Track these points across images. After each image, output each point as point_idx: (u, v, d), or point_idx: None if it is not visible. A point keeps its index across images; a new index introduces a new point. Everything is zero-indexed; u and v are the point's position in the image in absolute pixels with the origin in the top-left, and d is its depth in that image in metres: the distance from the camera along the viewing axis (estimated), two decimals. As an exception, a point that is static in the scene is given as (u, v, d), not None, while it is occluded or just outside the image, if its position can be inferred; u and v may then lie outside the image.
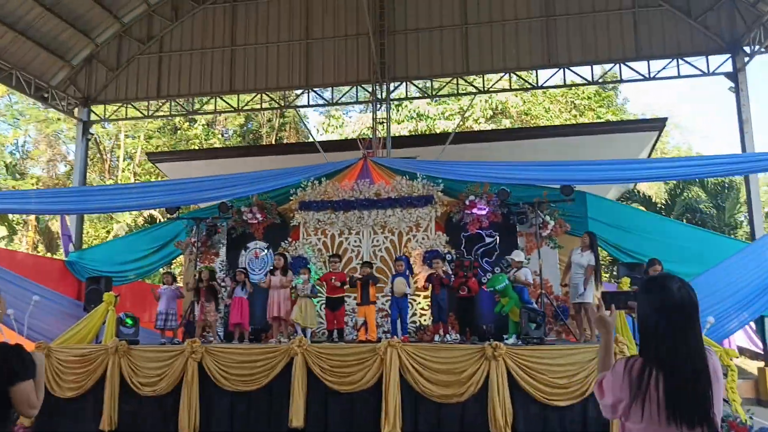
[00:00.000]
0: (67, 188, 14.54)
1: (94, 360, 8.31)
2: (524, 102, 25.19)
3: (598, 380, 2.42)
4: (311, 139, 14.46)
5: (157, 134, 26.08)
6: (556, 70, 12.78)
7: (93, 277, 10.63)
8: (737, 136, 11.61)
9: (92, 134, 14.98)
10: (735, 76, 11.69)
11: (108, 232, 22.21)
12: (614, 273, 17.47)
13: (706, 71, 12.06)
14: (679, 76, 12.23)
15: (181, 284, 10.51)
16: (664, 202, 16.09)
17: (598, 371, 2.49)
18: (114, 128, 25.10)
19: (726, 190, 14.78)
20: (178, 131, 25.97)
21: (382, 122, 12.99)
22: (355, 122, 25.34)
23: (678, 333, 2.21)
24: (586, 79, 13.20)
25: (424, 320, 10.15)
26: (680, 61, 12.13)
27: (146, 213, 20.70)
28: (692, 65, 12.15)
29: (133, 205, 11.35)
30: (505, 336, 8.14)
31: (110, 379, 8.11)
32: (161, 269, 14.11)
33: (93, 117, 14.94)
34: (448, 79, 13.77)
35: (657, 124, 12.25)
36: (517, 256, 8.90)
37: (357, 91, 14.15)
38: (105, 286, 10.25)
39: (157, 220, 19.35)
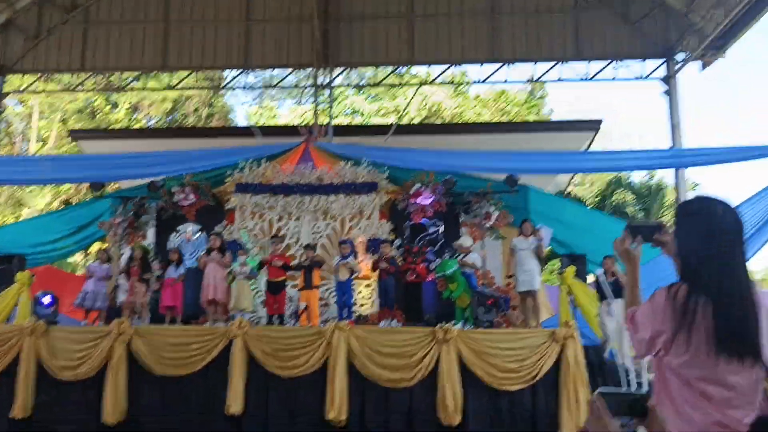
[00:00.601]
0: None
1: (5, 341, 7.56)
2: (458, 105, 25.52)
3: (629, 315, 2.22)
4: (246, 124, 13.90)
5: (74, 117, 24.50)
6: (500, 65, 12.91)
7: (3, 256, 9.67)
8: (669, 143, 12.07)
9: (5, 106, 13.80)
10: (667, 81, 12.18)
11: (17, 218, 20.61)
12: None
13: (641, 75, 12.52)
14: (616, 79, 12.64)
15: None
16: (594, 203, 16.62)
17: (625, 308, 2.29)
18: (25, 109, 23.40)
19: (653, 193, 15.47)
20: (98, 115, 24.51)
21: (324, 109, 12.68)
22: (288, 114, 24.80)
23: (725, 258, 2.07)
24: (527, 80, 13.43)
25: (365, 309, 9.89)
26: (617, 64, 12.54)
27: (62, 197, 19.35)
28: (628, 69, 12.58)
29: (57, 178, 10.54)
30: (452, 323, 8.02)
31: (25, 361, 7.40)
32: (80, 251, 13.17)
33: (7, 88, 13.77)
34: (391, 69, 13.65)
35: (593, 126, 12.55)
36: (465, 241, 8.84)
37: (295, 78, 13.78)
38: (17, 265, 9.35)
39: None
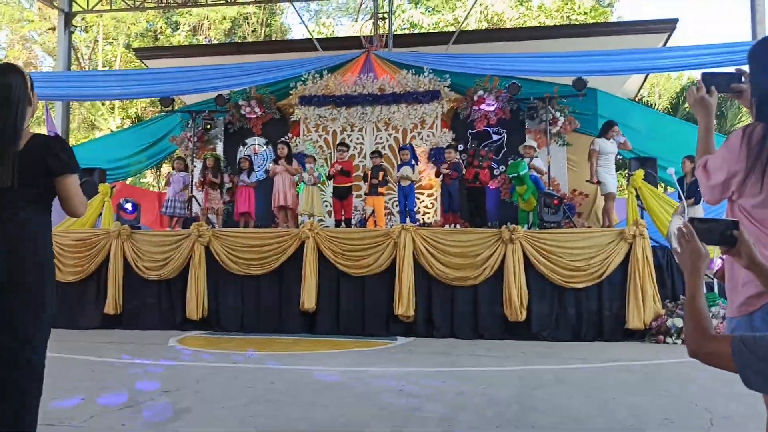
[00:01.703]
0: (54, 72, 13.67)
1: (95, 244, 8.10)
2: (520, 15, 24.48)
3: (701, 163, 2.18)
4: (308, 36, 13.78)
5: (137, 41, 24.93)
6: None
7: (86, 169, 10.19)
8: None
9: (75, 27, 14.15)
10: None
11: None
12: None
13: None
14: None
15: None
16: (666, 111, 15.89)
17: (697, 156, 2.25)
18: (88, 35, 23.91)
19: (728, 100, 14.64)
20: (160, 38, 24.84)
21: (384, 18, 12.41)
22: (346, 30, 24.45)
23: None
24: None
25: (428, 217, 10.07)
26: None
27: (132, 118, 19.97)
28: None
29: (125, 93, 10.83)
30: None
31: (114, 263, 7.93)
32: (154, 166, 13.75)
33: (75, 8, 14.06)
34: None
35: (668, 25, 11.82)
36: (530, 143, 8.80)
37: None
38: (99, 177, 9.87)
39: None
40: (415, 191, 9.03)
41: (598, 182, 8.32)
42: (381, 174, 8.65)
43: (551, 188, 8.96)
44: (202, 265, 7.81)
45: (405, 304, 7.20)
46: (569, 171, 9.96)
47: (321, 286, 7.59)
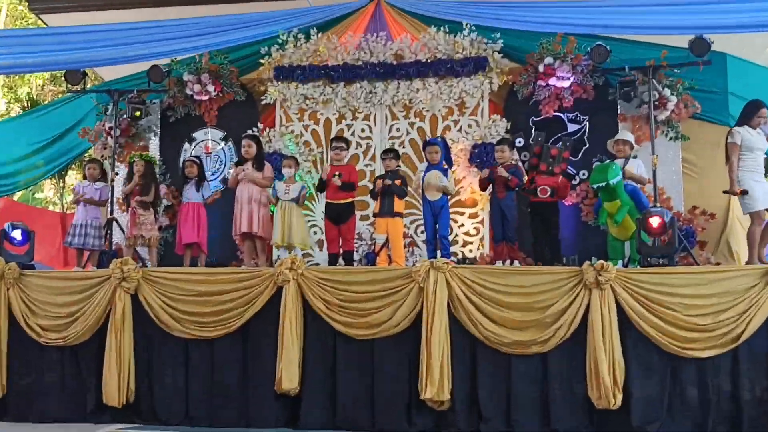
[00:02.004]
0: None
1: (-37, 294, 8.17)
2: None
3: None
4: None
5: (31, -13, 25.29)
6: None
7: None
8: None
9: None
10: None
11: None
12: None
13: None
14: None
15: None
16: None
17: None
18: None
19: None
20: (65, -17, 25.21)
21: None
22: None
23: None
24: None
25: (470, 250, 10.10)
26: None
27: (24, 94, 20.18)
28: None
29: (17, 64, 10.88)
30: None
31: (-7, 320, 7.99)
32: (57, 174, 13.90)
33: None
34: None
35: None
36: (625, 135, 8.91)
37: None
38: (-30, 192, 10.03)
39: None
40: (450, 209, 9.06)
41: (743, 192, 8.28)
42: (398, 184, 8.66)
43: (658, 204, 8.95)
44: (127, 323, 7.82)
45: (436, 383, 7.16)
46: (686, 178, 9.98)
47: (307, 355, 7.57)
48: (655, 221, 7.69)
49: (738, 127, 8.38)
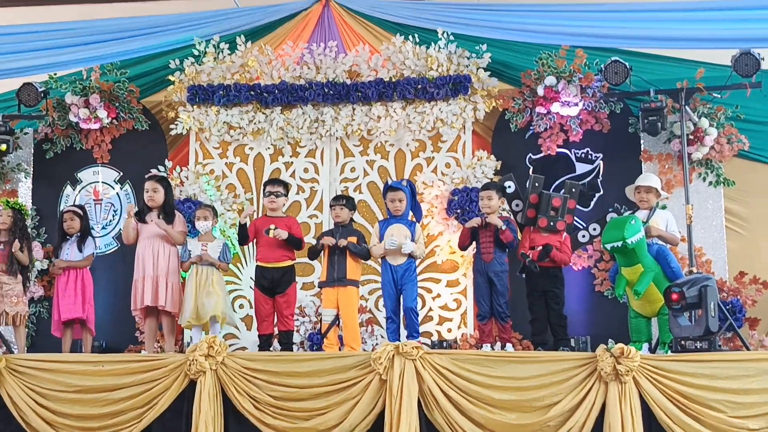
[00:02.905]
0: None
1: None
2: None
3: None
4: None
5: None
6: None
7: None
8: None
9: None
10: None
11: None
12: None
13: None
14: None
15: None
16: None
17: None
18: None
19: None
20: None
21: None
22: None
23: None
24: None
25: (448, 329, 10.10)
26: None
27: None
28: None
29: None
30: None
31: None
32: None
33: None
34: None
35: None
36: (649, 180, 8.92)
37: None
38: None
39: None
40: (420, 275, 9.06)
41: None
42: (354, 241, 8.68)
43: (695, 269, 9.01)
44: (-15, 429, 7.72)
45: None
46: (730, 234, 10.06)
47: (230, 473, 7.53)
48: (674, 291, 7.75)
49: None
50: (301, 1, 11.10)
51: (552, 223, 8.50)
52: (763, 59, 9.21)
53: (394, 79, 10.54)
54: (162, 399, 7.59)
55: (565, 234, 8.66)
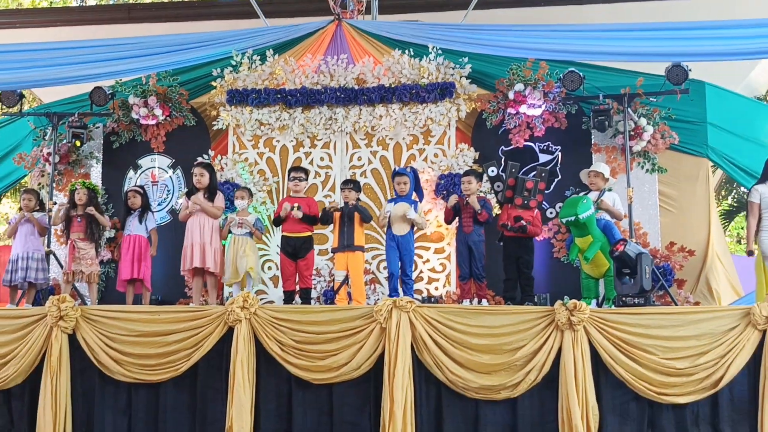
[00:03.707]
0: None
1: None
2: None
3: None
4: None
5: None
6: None
7: None
8: None
9: None
10: None
11: None
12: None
13: None
14: None
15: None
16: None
17: None
18: None
19: None
20: (1, -2, 25.12)
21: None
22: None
23: None
24: None
25: (435, 287, 10.15)
26: None
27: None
28: None
29: None
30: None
31: None
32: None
33: None
34: None
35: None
36: (599, 167, 9.06)
37: None
38: None
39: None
40: (415, 245, 9.11)
41: (749, 253, 8.50)
42: (357, 217, 8.70)
43: (635, 240, 9.06)
44: (63, 366, 7.73)
45: (398, 431, 7.16)
46: (662, 212, 10.12)
47: (260, 401, 7.55)
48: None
49: (758, 185, 8.59)
50: (319, 22, 11.14)
51: (526, 202, 8.52)
52: (690, 70, 9.25)
53: (393, 85, 10.55)
54: (206, 342, 7.63)
55: (536, 210, 8.68)
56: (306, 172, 9.34)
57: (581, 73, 9.70)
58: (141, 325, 7.82)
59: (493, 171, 8.92)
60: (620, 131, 9.73)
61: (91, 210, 9.10)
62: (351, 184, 9.00)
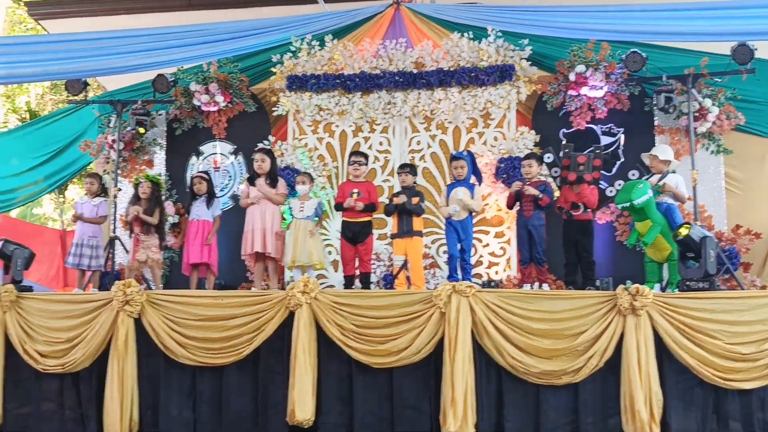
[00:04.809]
0: None
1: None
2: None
3: None
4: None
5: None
6: None
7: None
8: None
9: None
10: None
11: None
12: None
13: None
14: None
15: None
16: None
17: None
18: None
19: None
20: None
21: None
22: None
23: None
24: None
25: (495, 271, 10.13)
26: None
27: (22, 103, 20.33)
28: None
29: (16, 74, 10.97)
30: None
31: (-11, 346, 8.08)
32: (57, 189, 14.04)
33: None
34: None
35: None
36: (663, 152, 8.91)
37: None
38: (-31, 208, 10.15)
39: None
40: (474, 228, 9.10)
41: None
42: (415, 201, 8.70)
43: (699, 223, 8.93)
44: (130, 349, 7.85)
45: (459, 416, 7.13)
46: (728, 194, 10.02)
47: (321, 384, 7.58)
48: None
49: None
50: (377, 6, 11.15)
51: (580, 176, 8.46)
52: (756, 49, 9.13)
53: (452, 69, 10.59)
54: (268, 326, 7.68)
55: (592, 186, 8.59)
56: (366, 156, 9.37)
57: (644, 54, 9.63)
58: (204, 309, 7.89)
59: (549, 158, 8.89)
60: (684, 112, 9.64)
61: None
62: (408, 168, 9.03)
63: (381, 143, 10.80)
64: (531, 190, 8.60)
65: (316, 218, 8.96)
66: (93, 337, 7.93)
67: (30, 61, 10.88)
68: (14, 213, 16.03)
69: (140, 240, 9.32)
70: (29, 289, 8.56)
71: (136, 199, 9.49)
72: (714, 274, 7.61)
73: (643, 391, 6.96)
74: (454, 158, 9.00)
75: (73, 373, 8.03)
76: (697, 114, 9.62)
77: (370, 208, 8.89)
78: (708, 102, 9.67)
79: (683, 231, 7.61)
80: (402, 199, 8.66)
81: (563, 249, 8.78)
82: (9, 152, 12.16)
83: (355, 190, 8.75)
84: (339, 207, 9.00)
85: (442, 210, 9.04)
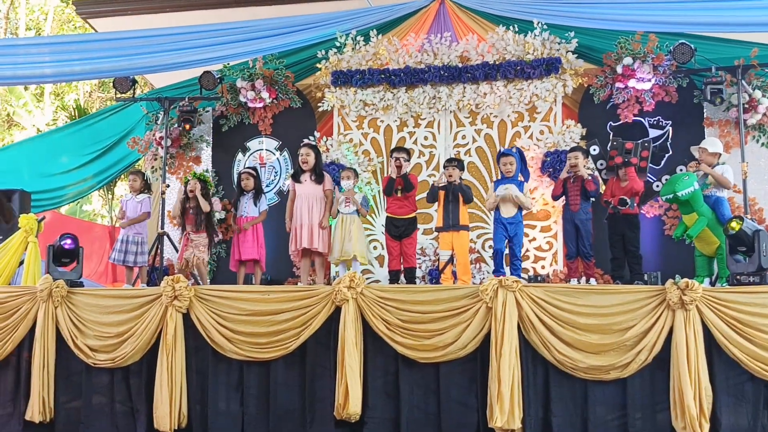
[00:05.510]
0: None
1: (10, 311, 8.37)
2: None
3: None
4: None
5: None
6: None
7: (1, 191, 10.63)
8: None
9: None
10: None
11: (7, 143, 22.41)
12: None
13: None
14: None
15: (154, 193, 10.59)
16: None
17: None
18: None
19: None
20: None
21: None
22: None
23: None
24: None
25: (542, 266, 10.10)
26: None
27: (71, 101, 20.62)
28: None
29: (65, 72, 11.24)
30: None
31: (41, 339, 8.16)
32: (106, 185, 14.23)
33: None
34: None
35: None
36: (712, 145, 8.81)
37: None
38: (20, 203, 10.29)
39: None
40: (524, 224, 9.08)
41: None
42: (460, 197, 8.70)
43: (750, 216, 8.83)
44: (178, 344, 7.92)
45: (506, 411, 7.11)
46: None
47: (368, 379, 7.60)
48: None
49: None
50: (422, 0, 11.18)
51: (626, 160, 8.42)
52: (808, 40, 9.03)
53: (497, 62, 10.60)
54: (314, 321, 7.71)
55: (641, 183, 8.54)
56: (408, 152, 9.39)
57: (692, 45, 9.54)
58: (252, 304, 7.94)
59: (595, 149, 8.85)
60: (734, 104, 9.58)
61: (193, 192, 9.41)
62: (455, 162, 9.01)
63: (426, 138, 10.84)
64: (582, 171, 8.60)
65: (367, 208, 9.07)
66: (143, 332, 8.01)
67: (81, 59, 11.08)
68: (64, 209, 16.30)
69: (190, 239, 9.42)
70: (80, 284, 8.67)
71: (185, 198, 9.59)
72: (766, 268, 7.50)
73: (692, 387, 6.88)
74: (502, 155, 8.98)
75: (124, 368, 8.11)
76: (747, 106, 9.56)
77: (408, 186, 8.87)
78: (758, 93, 9.62)
79: (735, 225, 7.51)
80: (442, 179, 8.72)
81: (609, 243, 8.75)
82: (59, 150, 12.35)
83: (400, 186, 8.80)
84: (389, 189, 8.99)
85: (488, 203, 9.02)
